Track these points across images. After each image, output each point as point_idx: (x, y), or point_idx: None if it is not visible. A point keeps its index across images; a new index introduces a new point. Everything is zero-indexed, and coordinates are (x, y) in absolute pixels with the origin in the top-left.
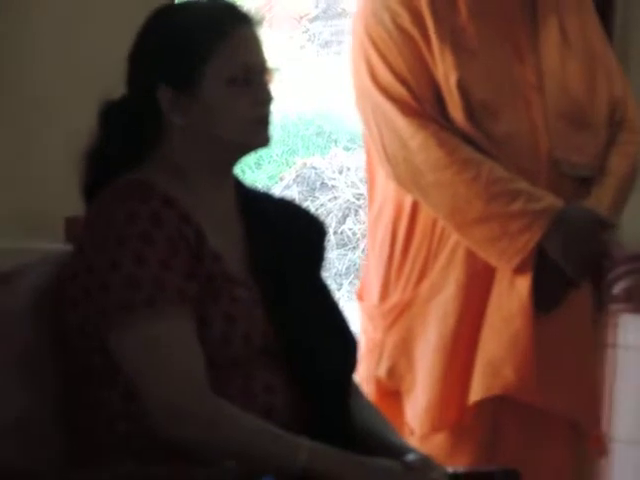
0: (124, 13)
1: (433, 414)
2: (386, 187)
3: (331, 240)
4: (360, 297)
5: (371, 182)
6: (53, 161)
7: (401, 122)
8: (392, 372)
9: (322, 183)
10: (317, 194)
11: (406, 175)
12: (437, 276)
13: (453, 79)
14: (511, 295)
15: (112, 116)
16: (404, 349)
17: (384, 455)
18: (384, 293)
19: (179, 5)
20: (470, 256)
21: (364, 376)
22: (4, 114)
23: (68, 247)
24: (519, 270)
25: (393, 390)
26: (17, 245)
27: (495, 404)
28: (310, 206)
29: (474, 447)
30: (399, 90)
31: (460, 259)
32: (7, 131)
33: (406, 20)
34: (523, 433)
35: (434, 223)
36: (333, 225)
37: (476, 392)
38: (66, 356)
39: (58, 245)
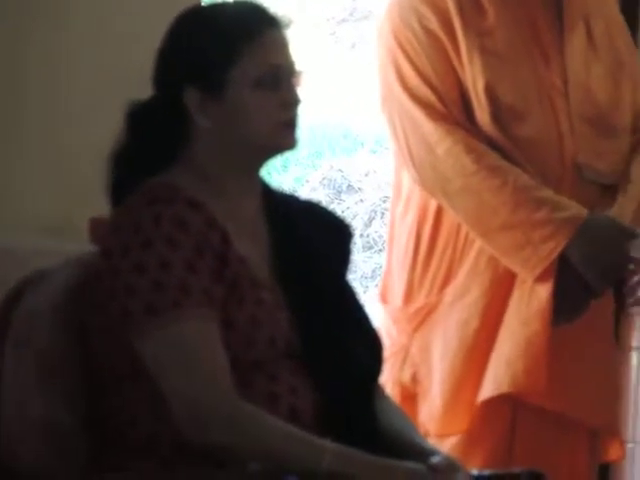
0: (151, 14)
1: (450, 416)
2: (411, 190)
3: (357, 243)
4: (383, 299)
5: (397, 185)
6: (78, 162)
7: (428, 127)
8: (415, 376)
9: (348, 186)
10: (343, 197)
11: (432, 180)
12: (462, 281)
13: (481, 83)
14: (531, 299)
15: (139, 117)
16: (427, 354)
17: (409, 457)
18: (408, 296)
19: (207, 6)
20: (494, 262)
21: (387, 379)
22: (30, 115)
23: (92, 248)
24: (541, 278)
25: (416, 393)
26: (41, 246)
27: (511, 409)
28: (336, 209)
29: (488, 452)
30: (426, 94)
31: (484, 264)
32: (32, 133)
33: (434, 23)
34: (540, 439)
35: (459, 228)
36: (359, 228)
37: (486, 390)
38: (91, 358)
39: (82, 246)
